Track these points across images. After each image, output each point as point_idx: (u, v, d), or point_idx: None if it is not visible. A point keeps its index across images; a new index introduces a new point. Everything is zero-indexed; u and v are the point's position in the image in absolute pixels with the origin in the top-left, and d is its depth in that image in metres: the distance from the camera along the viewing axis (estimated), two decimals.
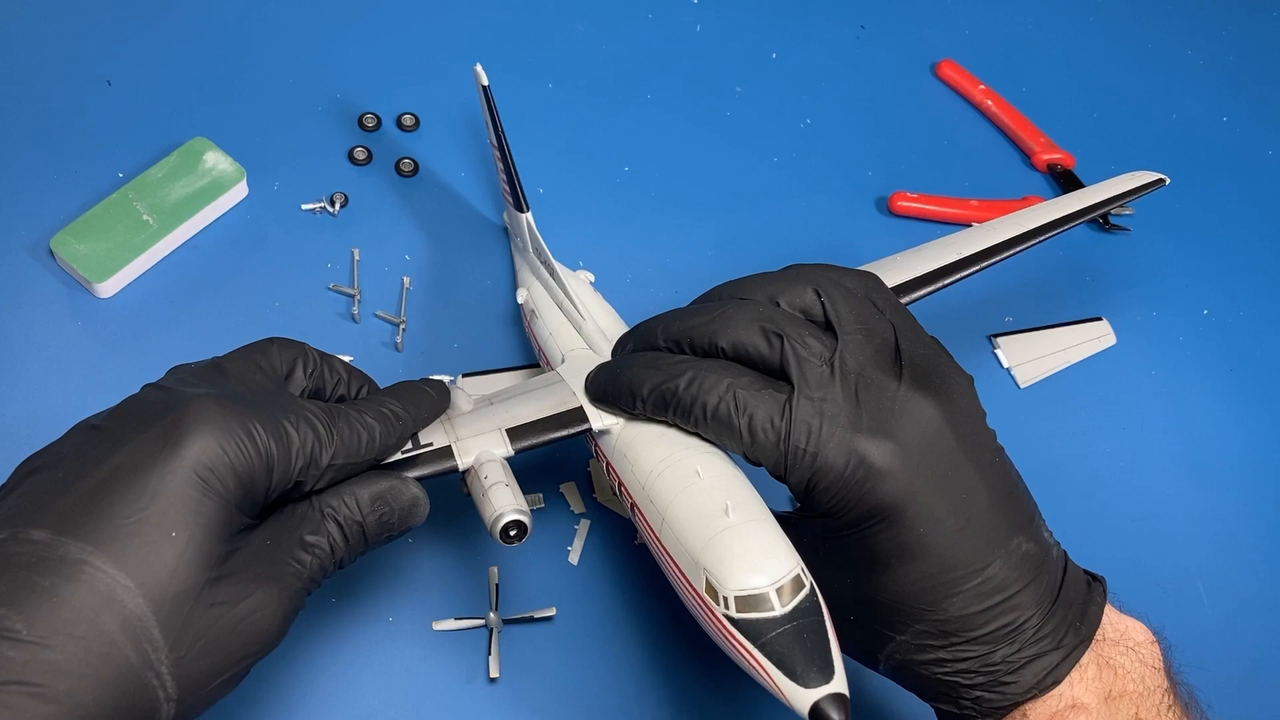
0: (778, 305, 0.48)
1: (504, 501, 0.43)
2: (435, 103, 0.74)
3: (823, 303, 0.48)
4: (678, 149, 0.76)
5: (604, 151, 0.75)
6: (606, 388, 0.50)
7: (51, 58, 0.71)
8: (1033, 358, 0.70)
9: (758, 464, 0.46)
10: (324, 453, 0.44)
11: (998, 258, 0.56)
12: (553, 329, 0.55)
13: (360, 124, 0.72)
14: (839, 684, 0.37)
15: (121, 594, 0.38)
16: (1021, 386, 0.71)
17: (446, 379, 0.52)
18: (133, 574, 0.38)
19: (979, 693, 0.46)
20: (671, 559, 0.41)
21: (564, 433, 0.48)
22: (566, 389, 0.49)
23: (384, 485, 0.46)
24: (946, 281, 0.55)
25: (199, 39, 0.74)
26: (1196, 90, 0.86)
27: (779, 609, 0.38)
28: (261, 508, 0.43)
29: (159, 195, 0.64)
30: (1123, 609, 0.50)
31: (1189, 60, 0.87)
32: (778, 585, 0.38)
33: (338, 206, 0.68)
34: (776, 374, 0.47)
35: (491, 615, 0.59)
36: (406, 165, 0.71)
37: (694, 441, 0.46)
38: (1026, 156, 0.79)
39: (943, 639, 0.46)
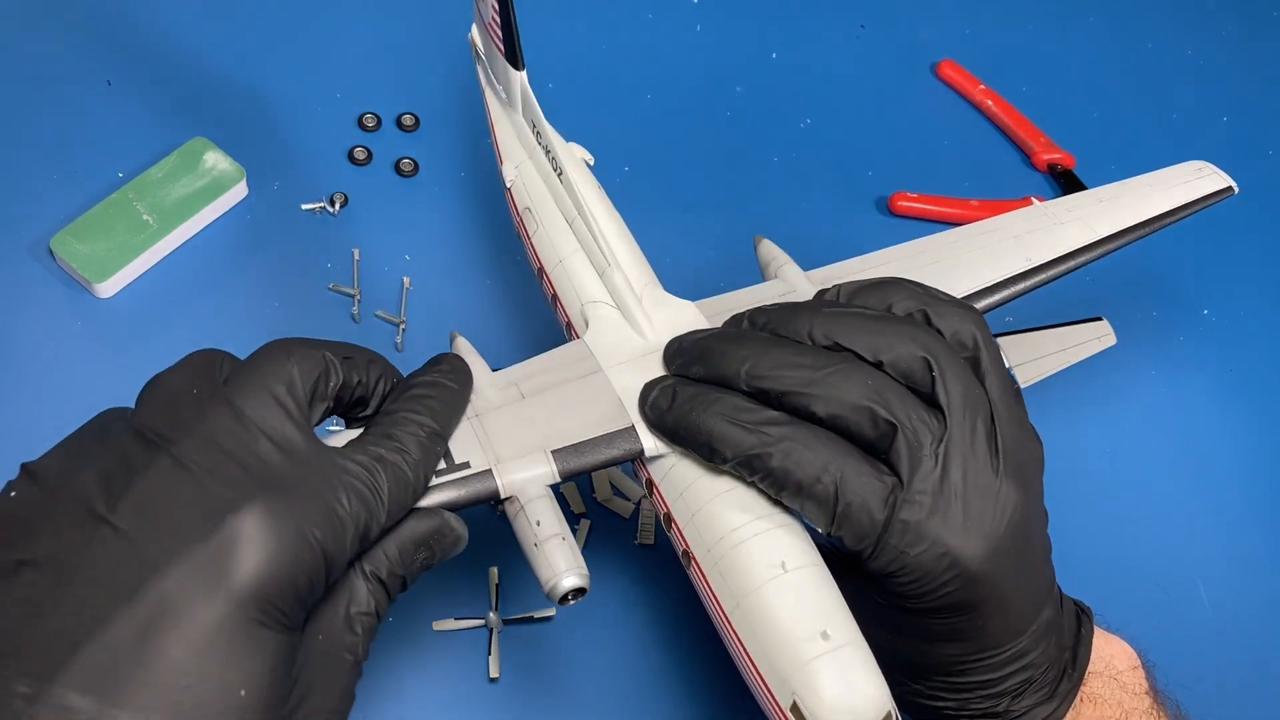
0: (881, 367, 0.42)
1: (564, 563, 0.38)
2: (435, 103, 0.74)
3: (933, 377, 0.42)
4: (678, 149, 0.76)
5: (604, 151, 0.74)
6: (678, 429, 0.43)
7: (52, 57, 0.71)
8: (1033, 358, 0.70)
9: (831, 537, 0.42)
10: (375, 525, 0.38)
11: (1067, 266, 0.53)
12: (569, 267, 0.48)
13: (360, 124, 0.72)
14: None
15: None
16: (1021, 387, 0.71)
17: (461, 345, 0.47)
18: None
19: None
20: (748, 656, 0.38)
21: (615, 455, 0.42)
22: (607, 385, 0.43)
23: (428, 529, 0.40)
24: (1016, 290, 0.51)
25: (199, 38, 0.74)
26: (1196, 90, 0.86)
27: None
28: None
29: (159, 195, 0.64)
30: (1109, 625, 0.50)
31: (1189, 60, 0.88)
32: None
33: (338, 206, 0.68)
34: (876, 452, 0.42)
35: (491, 615, 0.59)
36: (406, 165, 0.71)
37: (772, 510, 0.41)
38: (1027, 156, 0.80)
39: (956, 692, 0.46)
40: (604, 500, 0.63)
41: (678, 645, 0.60)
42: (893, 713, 0.37)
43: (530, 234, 0.50)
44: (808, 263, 0.55)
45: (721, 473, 0.41)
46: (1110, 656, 0.48)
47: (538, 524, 0.39)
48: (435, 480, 0.41)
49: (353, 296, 0.67)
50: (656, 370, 0.44)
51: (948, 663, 0.45)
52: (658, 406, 0.44)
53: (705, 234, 0.72)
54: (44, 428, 0.44)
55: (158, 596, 0.33)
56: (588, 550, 0.62)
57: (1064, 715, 0.46)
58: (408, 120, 0.72)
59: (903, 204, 0.75)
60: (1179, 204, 0.55)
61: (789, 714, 0.36)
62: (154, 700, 0.32)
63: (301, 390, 0.39)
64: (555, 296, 0.50)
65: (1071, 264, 0.51)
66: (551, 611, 0.59)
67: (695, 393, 0.43)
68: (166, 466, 0.35)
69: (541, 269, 0.50)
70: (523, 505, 0.40)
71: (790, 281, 0.50)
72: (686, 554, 0.41)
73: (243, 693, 0.33)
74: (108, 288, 0.63)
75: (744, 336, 0.45)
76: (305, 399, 0.39)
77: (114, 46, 0.72)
